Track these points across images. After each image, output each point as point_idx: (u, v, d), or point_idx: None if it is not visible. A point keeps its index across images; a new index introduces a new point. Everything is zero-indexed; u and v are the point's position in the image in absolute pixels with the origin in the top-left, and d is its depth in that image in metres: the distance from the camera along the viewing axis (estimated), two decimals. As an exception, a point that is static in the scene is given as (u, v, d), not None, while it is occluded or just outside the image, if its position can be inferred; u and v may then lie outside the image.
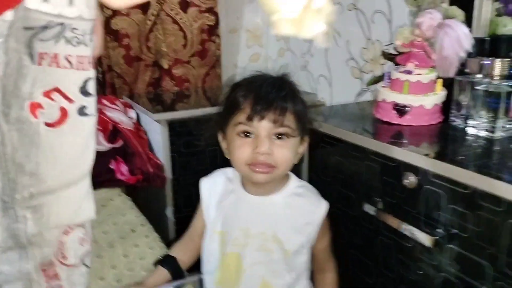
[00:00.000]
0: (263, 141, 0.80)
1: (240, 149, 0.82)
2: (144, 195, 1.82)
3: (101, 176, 1.48)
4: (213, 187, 0.94)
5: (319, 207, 0.90)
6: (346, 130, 1.02)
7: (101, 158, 1.52)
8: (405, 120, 1.02)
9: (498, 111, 0.89)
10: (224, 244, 0.89)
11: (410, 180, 0.87)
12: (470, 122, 0.95)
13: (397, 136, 0.99)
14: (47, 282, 0.57)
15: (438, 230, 0.83)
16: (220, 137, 0.90)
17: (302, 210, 0.89)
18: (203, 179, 0.97)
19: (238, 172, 0.90)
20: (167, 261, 0.97)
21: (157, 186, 1.59)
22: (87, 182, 0.57)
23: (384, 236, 0.95)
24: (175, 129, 1.59)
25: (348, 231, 1.06)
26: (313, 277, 0.98)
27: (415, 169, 0.86)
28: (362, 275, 1.04)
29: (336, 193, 1.08)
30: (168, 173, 1.63)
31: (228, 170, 0.95)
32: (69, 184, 0.54)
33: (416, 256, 0.88)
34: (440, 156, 0.84)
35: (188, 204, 1.44)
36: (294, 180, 0.92)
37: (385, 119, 1.05)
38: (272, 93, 0.81)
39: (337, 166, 1.07)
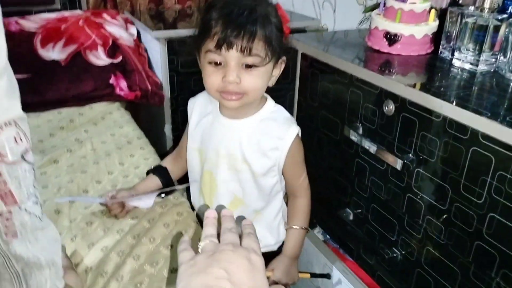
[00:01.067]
0: (231, 70, 0.80)
1: (210, 77, 0.83)
2: (144, 112, 1.88)
3: (101, 90, 1.53)
4: (195, 107, 0.98)
5: (288, 133, 0.90)
6: (335, 56, 1.04)
7: (101, 73, 1.56)
8: (395, 49, 1.04)
9: (484, 44, 0.91)
10: (202, 161, 0.97)
11: (389, 107, 0.91)
12: (456, 54, 0.96)
13: (384, 64, 1.01)
14: None
15: (409, 155, 0.88)
16: (198, 58, 0.90)
17: (271, 135, 0.91)
18: (190, 99, 1.01)
19: None
20: (159, 171, 1.04)
21: (155, 103, 1.64)
22: (5, 80, 0.57)
23: (361, 159, 1.01)
24: (174, 47, 1.60)
25: (330, 154, 1.12)
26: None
27: (394, 97, 0.89)
28: (339, 195, 1.11)
29: (322, 117, 1.12)
30: (166, 91, 1.67)
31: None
32: None
33: (388, 178, 0.94)
34: (418, 85, 0.87)
35: (186, 122, 1.50)
36: (269, 105, 0.93)
37: (375, 47, 1.07)
38: (242, 17, 0.79)
39: (324, 91, 1.10)
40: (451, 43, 0.99)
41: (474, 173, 0.76)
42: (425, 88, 0.85)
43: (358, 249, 1.09)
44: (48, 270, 0.71)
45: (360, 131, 1.00)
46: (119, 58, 1.60)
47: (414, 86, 0.86)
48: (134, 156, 1.22)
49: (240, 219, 0.71)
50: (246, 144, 0.91)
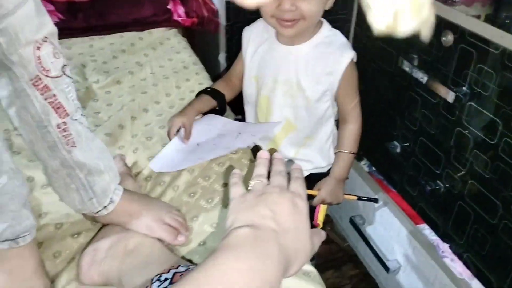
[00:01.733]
0: None
1: (266, 5, 0.82)
2: (199, 39, 1.91)
3: (159, 16, 1.57)
4: (251, 35, 0.99)
5: (342, 57, 0.90)
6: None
7: (160, -2, 1.59)
8: (461, -23, 0.98)
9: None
10: (258, 87, 0.99)
11: (448, 38, 0.88)
12: (528, -17, 0.90)
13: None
14: (41, 94, 0.68)
15: (463, 88, 0.87)
16: None
17: (325, 60, 0.90)
18: (246, 28, 1.02)
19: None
20: (213, 93, 1.06)
21: (210, 30, 1.67)
22: (30, 3, 0.63)
23: (414, 91, 1.00)
24: (232, -26, 1.59)
25: (382, 86, 1.11)
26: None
27: (454, 27, 0.86)
28: (388, 128, 1.12)
29: (377, 48, 1.11)
30: (222, 19, 1.69)
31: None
32: (19, 3, 0.62)
33: (439, 111, 0.94)
34: (477, 16, 0.83)
35: (239, 51, 1.52)
36: (325, 29, 0.92)
37: (439, -25, 1.02)
38: None
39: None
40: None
41: (529, 107, 0.74)
42: (487, 18, 0.82)
43: (402, 182, 1.11)
44: (108, 175, 0.78)
45: (416, 63, 0.99)
46: (177, -15, 1.62)
47: (477, 17, 0.83)
48: (190, 80, 1.28)
49: (291, 163, 0.74)
50: (302, 70, 0.92)
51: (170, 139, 0.97)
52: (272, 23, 0.86)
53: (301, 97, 0.94)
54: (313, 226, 0.98)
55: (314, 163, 1.03)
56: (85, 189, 0.77)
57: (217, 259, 0.43)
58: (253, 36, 0.99)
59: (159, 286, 0.71)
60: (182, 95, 1.21)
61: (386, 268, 1.12)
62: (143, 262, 0.75)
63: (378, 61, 1.11)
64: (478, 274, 0.92)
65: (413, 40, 0.98)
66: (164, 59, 1.37)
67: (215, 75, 1.81)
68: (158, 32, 1.54)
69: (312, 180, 1.02)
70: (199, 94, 1.07)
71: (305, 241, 0.50)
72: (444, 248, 1.00)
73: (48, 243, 0.80)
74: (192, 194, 0.88)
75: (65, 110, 0.71)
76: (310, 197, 1.01)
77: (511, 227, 0.81)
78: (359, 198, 1.06)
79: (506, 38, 0.74)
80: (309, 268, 0.73)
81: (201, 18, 1.63)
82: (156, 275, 0.71)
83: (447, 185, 0.97)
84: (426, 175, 1.02)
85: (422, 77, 0.95)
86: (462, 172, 0.91)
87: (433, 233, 1.03)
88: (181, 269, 0.73)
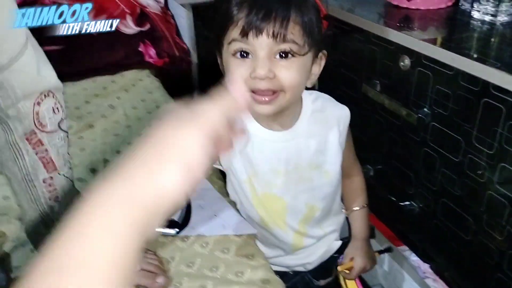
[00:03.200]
0: (262, 62, 0.64)
1: (236, 72, 0.67)
2: (172, 78, 1.94)
3: (131, 58, 1.59)
4: None
5: (342, 111, 0.81)
6: (353, 13, 1.04)
7: (130, 41, 1.62)
8: (414, 3, 1.03)
9: (504, -6, 0.89)
10: (254, 189, 0.81)
11: (405, 62, 0.92)
12: (476, 6, 0.95)
13: (402, 20, 1.01)
14: (33, 149, 0.68)
15: (424, 109, 0.89)
16: (218, 58, 0.74)
17: (328, 127, 0.79)
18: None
19: None
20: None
21: (182, 69, 1.70)
22: (30, 53, 0.64)
23: (379, 115, 1.03)
24: (200, 13, 1.63)
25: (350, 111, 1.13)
26: None
27: (410, 52, 0.90)
28: (359, 152, 1.14)
29: (340, 75, 1.14)
30: (193, 57, 1.72)
31: None
32: (15, 57, 0.61)
33: (404, 133, 0.96)
34: (432, 39, 0.87)
35: (213, 86, 1.54)
36: (305, 97, 0.79)
37: (394, 3, 1.06)
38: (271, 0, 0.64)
39: (343, 49, 1.11)
40: (471, -5, 0.97)
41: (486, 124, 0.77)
42: (440, 42, 0.85)
43: (378, 204, 1.12)
44: None
45: (378, 88, 1.01)
46: (147, 26, 1.65)
47: (431, 41, 0.86)
48: (163, 119, 1.29)
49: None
50: (309, 149, 0.78)
51: None
52: None
53: (318, 175, 0.80)
54: None
55: (339, 228, 0.91)
56: None
57: None
58: None
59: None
60: (156, 135, 1.22)
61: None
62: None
63: (342, 88, 1.14)
64: (460, 292, 0.92)
65: (374, 66, 1.01)
66: (137, 100, 1.39)
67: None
68: (130, 74, 1.56)
69: (344, 246, 0.91)
70: None
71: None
72: (425, 268, 1.00)
73: None
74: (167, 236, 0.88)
75: (54, 165, 0.71)
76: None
77: (484, 242, 0.82)
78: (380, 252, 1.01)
79: (458, 60, 0.77)
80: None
81: (172, 58, 1.66)
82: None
83: (421, 205, 0.98)
84: (400, 196, 1.03)
85: (385, 101, 0.97)
86: (433, 191, 0.93)
87: (413, 254, 1.04)
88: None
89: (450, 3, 1.03)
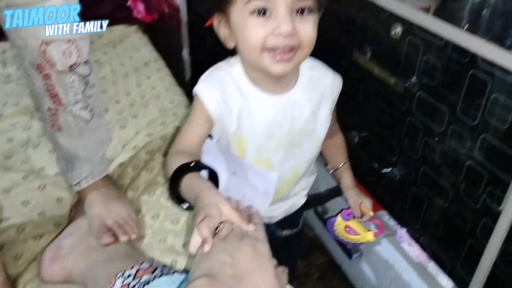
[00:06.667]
0: (287, 18, 0.63)
1: (255, 31, 0.65)
2: (162, 36, 1.90)
3: (119, 13, 1.56)
4: (214, 92, 0.74)
5: (336, 85, 0.82)
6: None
7: (119, -5, 1.57)
8: (409, -29, 1.02)
9: (499, -35, 0.88)
10: (243, 151, 0.80)
11: (397, 31, 0.92)
12: (471, -24, 0.94)
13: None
14: (43, 79, 0.75)
15: (412, 79, 0.90)
16: (215, 22, 0.72)
17: (322, 97, 0.80)
18: (202, 87, 0.75)
19: (248, 64, 0.73)
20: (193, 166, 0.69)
21: (172, 27, 1.66)
22: (56, 1, 0.68)
23: (368, 82, 1.03)
24: (191, -31, 1.59)
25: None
26: None
27: (402, 20, 0.89)
28: (346, 118, 1.15)
29: (332, 41, 1.13)
30: (183, 15, 1.68)
31: (228, 67, 0.76)
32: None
33: (391, 102, 0.97)
34: (424, 8, 0.87)
35: (203, 46, 1.52)
36: (302, 63, 0.77)
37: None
38: None
39: (336, 14, 1.10)
40: (468, -36, 0.96)
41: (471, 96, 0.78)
42: (433, 11, 0.85)
43: (361, 170, 1.15)
44: (85, 164, 0.85)
45: (368, 55, 1.01)
46: (137, -20, 1.60)
47: (424, 9, 0.86)
48: (151, 78, 1.28)
49: (249, 208, 0.65)
50: (302, 115, 0.79)
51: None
52: (260, 60, 0.67)
53: (308, 140, 0.82)
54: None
55: (308, 187, 0.95)
56: (66, 162, 0.86)
57: None
58: (217, 92, 0.74)
59: (123, 282, 0.72)
60: (143, 92, 1.21)
61: (349, 255, 1.15)
62: (108, 258, 0.77)
63: (333, 53, 1.13)
64: (433, 257, 0.96)
65: (365, 33, 1.01)
66: (124, 57, 1.37)
67: (181, 71, 1.81)
68: (118, 30, 1.53)
69: (310, 202, 0.97)
70: (180, 174, 0.67)
71: (270, 280, 0.53)
72: (402, 233, 1.04)
73: (9, 246, 0.80)
74: (152, 193, 0.89)
75: (60, 100, 0.77)
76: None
77: (460, 211, 0.85)
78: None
79: (448, 30, 0.77)
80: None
81: (162, 14, 1.62)
82: (120, 271, 0.72)
83: (402, 173, 1.00)
84: (383, 163, 1.05)
85: (374, 69, 0.98)
86: (415, 160, 0.95)
87: (392, 219, 1.07)
88: (144, 265, 0.74)
89: (445, -28, 1.02)
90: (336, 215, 1.01)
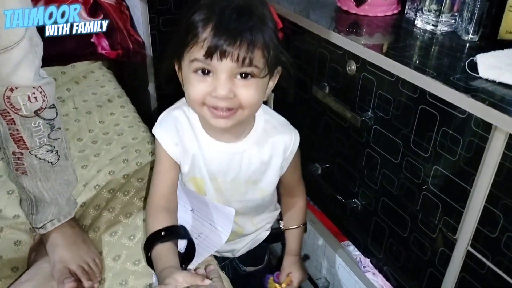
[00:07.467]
0: (224, 83, 0.66)
1: (195, 88, 0.68)
2: (128, 71, 1.91)
3: (83, 49, 1.56)
4: (168, 134, 0.79)
5: (292, 141, 0.84)
6: (304, 17, 1.07)
7: (83, 32, 1.58)
8: (362, 10, 1.07)
9: (444, 5, 0.94)
10: (199, 190, 0.85)
11: (351, 67, 0.95)
12: (419, 15, 1.00)
13: (350, 25, 1.04)
14: (7, 125, 0.74)
15: (368, 113, 0.94)
16: (176, 66, 0.75)
17: (274, 148, 0.82)
18: (159, 128, 0.79)
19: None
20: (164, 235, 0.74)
21: (137, 62, 1.67)
22: (20, 51, 0.68)
23: (327, 116, 1.06)
24: (156, 6, 1.61)
25: (300, 113, 1.17)
26: (279, 199, 1.01)
27: (356, 57, 0.93)
28: (308, 151, 1.17)
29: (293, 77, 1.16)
30: (148, 50, 1.70)
31: (185, 106, 0.80)
32: (7, 47, 0.66)
33: (349, 134, 1.00)
34: (377, 46, 0.91)
35: (169, 81, 1.53)
36: (259, 114, 0.82)
37: (344, 8, 1.10)
38: (237, 22, 0.65)
39: (295, 51, 1.14)
40: (415, 4, 1.02)
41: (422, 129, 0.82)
42: (385, 49, 0.89)
43: (325, 200, 1.17)
44: (51, 207, 0.84)
45: (327, 90, 1.05)
46: (101, 17, 1.62)
47: (376, 47, 0.90)
48: (115, 114, 1.27)
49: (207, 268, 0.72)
50: (250, 166, 0.81)
51: None
52: (202, 112, 0.71)
53: (253, 190, 0.84)
54: None
55: (272, 221, 0.98)
56: (32, 205, 0.85)
57: None
58: (173, 132, 0.78)
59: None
60: (106, 129, 1.20)
61: (316, 287, 1.16)
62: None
63: (294, 88, 1.16)
64: (397, 286, 0.98)
65: (324, 69, 1.05)
66: (87, 93, 1.36)
67: (147, 106, 1.81)
68: (82, 66, 1.53)
69: (272, 237, 1.00)
70: (152, 242, 0.73)
71: None
72: (366, 262, 1.05)
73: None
74: (113, 233, 0.87)
75: (25, 144, 0.77)
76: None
77: (419, 240, 0.88)
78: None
79: (398, 68, 0.81)
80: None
81: (126, 50, 1.63)
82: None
83: (363, 203, 1.03)
84: (345, 194, 1.07)
85: (332, 103, 1.01)
86: (375, 190, 0.97)
87: (356, 249, 1.09)
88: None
89: (396, 11, 1.08)
90: (274, 273, 1.02)
